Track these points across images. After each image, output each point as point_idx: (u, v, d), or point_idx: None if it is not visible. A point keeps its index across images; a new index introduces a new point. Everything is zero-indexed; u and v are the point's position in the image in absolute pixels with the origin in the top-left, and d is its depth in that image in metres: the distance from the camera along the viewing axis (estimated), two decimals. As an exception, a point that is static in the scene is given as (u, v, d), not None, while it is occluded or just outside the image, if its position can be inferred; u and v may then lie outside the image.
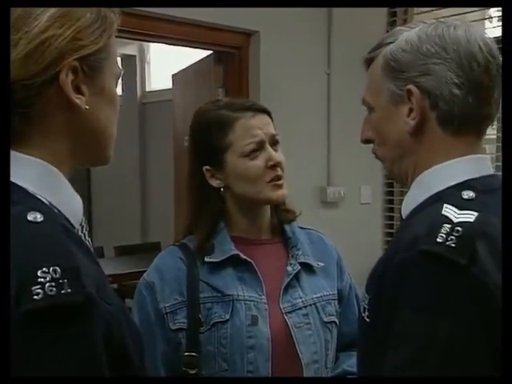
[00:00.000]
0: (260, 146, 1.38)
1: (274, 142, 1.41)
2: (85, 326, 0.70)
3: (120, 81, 0.91)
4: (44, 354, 0.67)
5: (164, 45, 3.97)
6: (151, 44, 5.83)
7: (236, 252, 1.38)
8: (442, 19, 1.00)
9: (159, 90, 6.00)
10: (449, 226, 0.83)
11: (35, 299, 0.66)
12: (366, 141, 1.06)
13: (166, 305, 1.35)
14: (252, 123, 1.38)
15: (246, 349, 1.32)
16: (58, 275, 0.68)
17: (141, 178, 6.30)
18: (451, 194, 0.91)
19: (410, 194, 1.00)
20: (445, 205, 0.87)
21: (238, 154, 1.37)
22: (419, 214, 0.92)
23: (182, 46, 3.33)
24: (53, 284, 0.67)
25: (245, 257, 1.38)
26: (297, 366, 1.35)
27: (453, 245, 0.81)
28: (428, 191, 0.95)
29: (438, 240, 0.82)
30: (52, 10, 0.79)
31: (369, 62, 1.04)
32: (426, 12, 3.52)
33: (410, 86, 0.95)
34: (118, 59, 0.91)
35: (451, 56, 0.94)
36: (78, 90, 0.81)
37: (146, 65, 6.28)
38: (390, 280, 0.86)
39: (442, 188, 0.94)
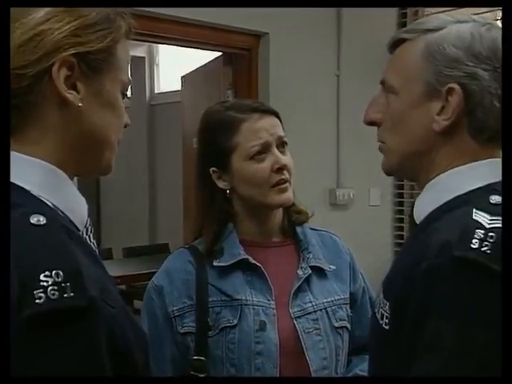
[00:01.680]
0: (266, 149, 1.35)
1: (281, 144, 1.38)
2: (87, 330, 0.69)
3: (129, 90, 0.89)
4: (46, 359, 0.66)
5: (173, 46, 3.98)
6: (160, 46, 5.85)
7: (245, 256, 1.36)
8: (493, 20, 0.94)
9: (168, 92, 6.01)
10: (482, 231, 0.80)
11: (37, 303, 0.66)
12: (371, 123, 1.00)
13: (175, 308, 1.34)
14: (258, 125, 1.36)
15: (254, 354, 1.30)
16: (60, 279, 0.67)
17: (149, 179, 6.32)
18: (478, 198, 0.87)
19: (425, 196, 0.96)
20: (474, 210, 0.83)
21: (244, 156, 1.35)
22: (445, 218, 0.87)
23: (191, 47, 3.33)
24: (55, 288, 0.66)
25: (254, 261, 1.36)
26: (305, 373, 1.32)
27: (488, 251, 0.78)
28: (448, 194, 0.91)
29: (472, 246, 0.78)
30: None
31: (399, 42, 0.98)
32: (437, 14, 3.50)
33: (454, 85, 0.89)
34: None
35: (500, 65, 0.89)
36: (74, 87, 0.80)
37: (155, 66, 6.30)
38: (419, 287, 0.82)
39: (465, 191, 0.90)
